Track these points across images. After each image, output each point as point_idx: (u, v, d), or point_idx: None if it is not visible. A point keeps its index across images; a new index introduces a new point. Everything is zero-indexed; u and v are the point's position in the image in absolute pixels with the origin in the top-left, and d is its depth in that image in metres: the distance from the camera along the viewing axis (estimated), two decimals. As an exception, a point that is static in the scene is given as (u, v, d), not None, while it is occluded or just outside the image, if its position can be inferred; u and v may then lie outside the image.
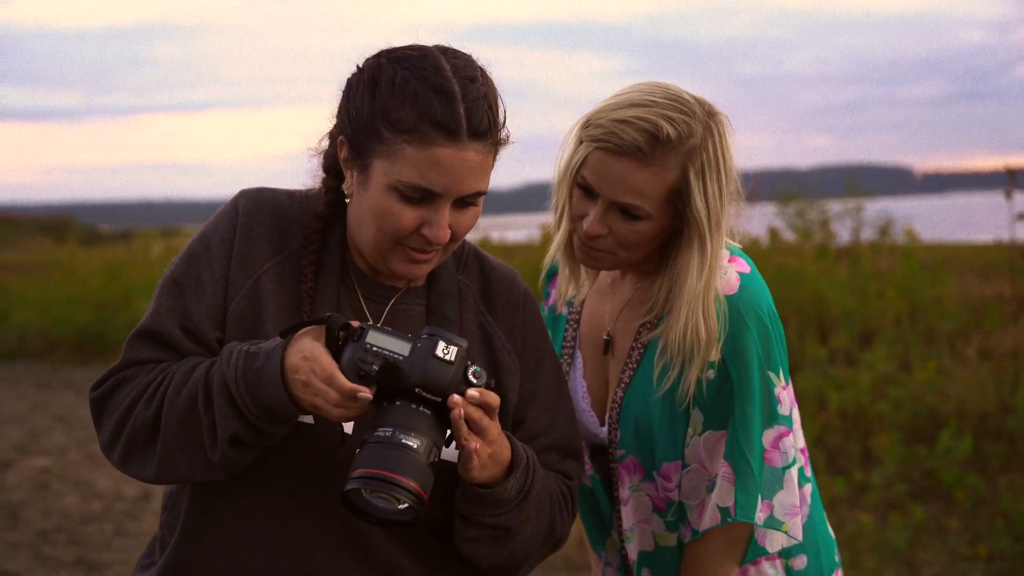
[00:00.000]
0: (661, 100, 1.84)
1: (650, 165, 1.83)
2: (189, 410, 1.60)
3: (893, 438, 5.81)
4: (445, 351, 1.56)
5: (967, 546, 4.98)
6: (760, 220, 11.38)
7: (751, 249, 10.12)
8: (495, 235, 12.00)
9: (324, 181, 1.76)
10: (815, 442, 6.02)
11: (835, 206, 11.18)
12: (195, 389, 1.60)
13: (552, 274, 2.18)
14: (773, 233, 10.84)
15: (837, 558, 2.10)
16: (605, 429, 2.00)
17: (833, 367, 6.86)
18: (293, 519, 1.67)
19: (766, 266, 8.79)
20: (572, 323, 2.10)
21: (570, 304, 2.12)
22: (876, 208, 11.40)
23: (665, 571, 2.00)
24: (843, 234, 10.84)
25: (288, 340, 1.59)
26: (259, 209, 1.75)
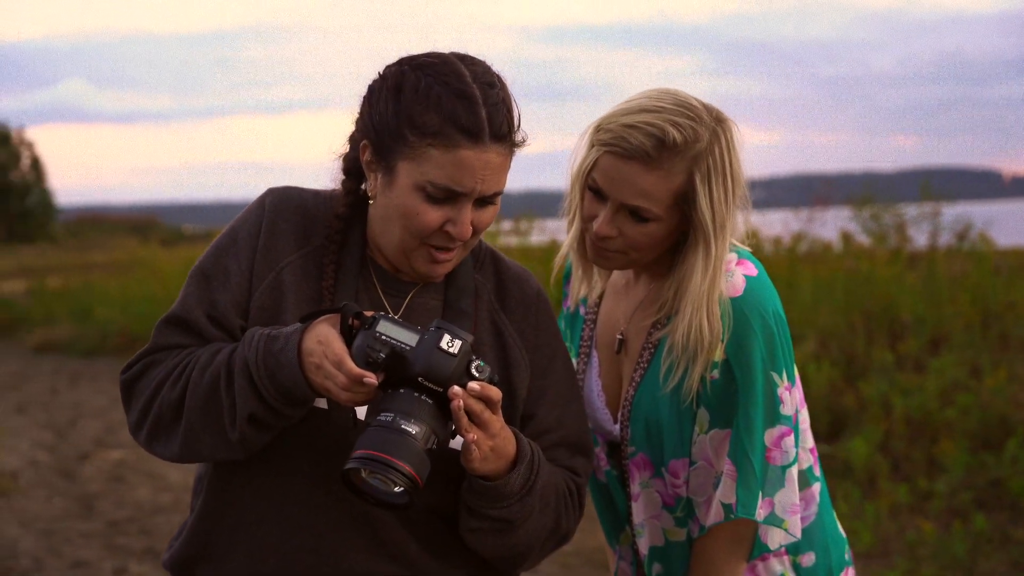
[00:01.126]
0: (669, 106, 1.88)
1: (656, 169, 1.87)
2: (212, 390, 1.69)
3: (959, 445, 5.72)
4: (449, 344, 1.62)
5: (1032, 556, 4.89)
6: (834, 224, 11.24)
7: (823, 253, 9.94)
8: (563, 237, 11.94)
9: (344, 183, 1.84)
10: (879, 448, 5.95)
11: (913, 210, 10.99)
12: (218, 371, 1.69)
13: (569, 275, 2.24)
14: (846, 237, 10.69)
15: (848, 556, 2.12)
16: (618, 427, 2.05)
17: (901, 373, 6.76)
18: (307, 500, 1.75)
19: (836, 270, 8.70)
20: (589, 323, 2.15)
21: (586, 303, 2.17)
22: (956, 212, 11.17)
23: (675, 566, 2.05)
24: (919, 239, 10.65)
25: (307, 325, 1.67)
26: (285, 206, 1.84)
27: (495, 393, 1.64)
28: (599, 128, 1.93)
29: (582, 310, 2.18)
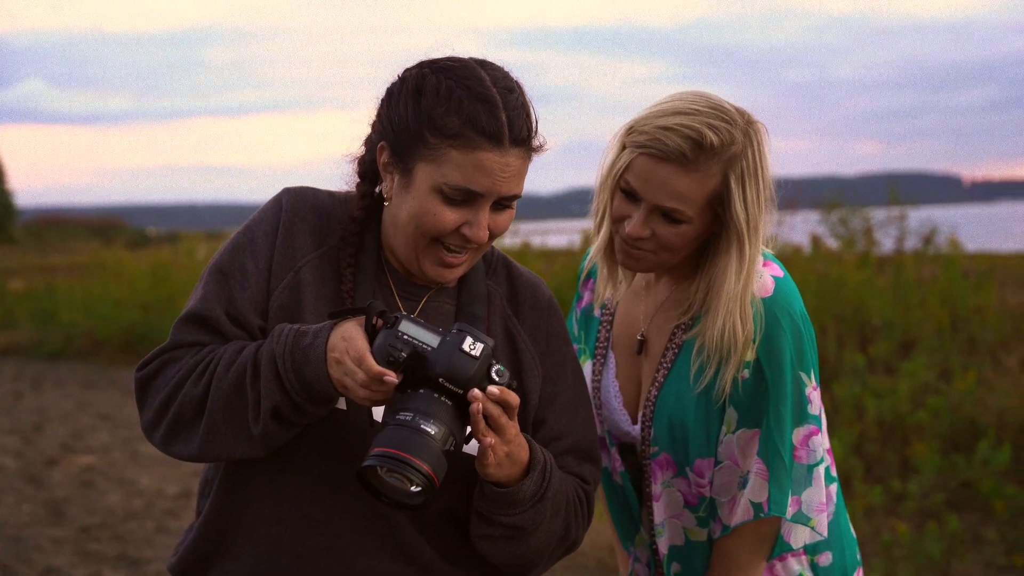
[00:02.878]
0: (704, 109, 1.90)
1: (693, 171, 1.89)
2: (237, 385, 1.68)
3: (931, 447, 5.78)
4: (472, 347, 1.62)
5: (1004, 556, 4.95)
6: (803, 228, 11.33)
7: (793, 256, 10.03)
8: (536, 240, 11.99)
9: (359, 186, 1.84)
10: (852, 450, 6.00)
11: (879, 214, 11.10)
12: (244, 366, 1.68)
13: (589, 276, 2.24)
14: (815, 240, 10.78)
15: (858, 556, 2.15)
16: (637, 427, 2.06)
17: (872, 376, 6.83)
18: (324, 500, 1.75)
19: (807, 274, 8.77)
20: (606, 324, 2.16)
21: (603, 306, 2.18)
22: (921, 216, 11.31)
23: (694, 566, 2.06)
24: (886, 243, 10.76)
25: (335, 322, 1.67)
26: (302, 205, 1.84)
27: (513, 398, 1.64)
28: (632, 130, 1.94)
29: (597, 311, 2.19)
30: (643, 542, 2.14)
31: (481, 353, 1.62)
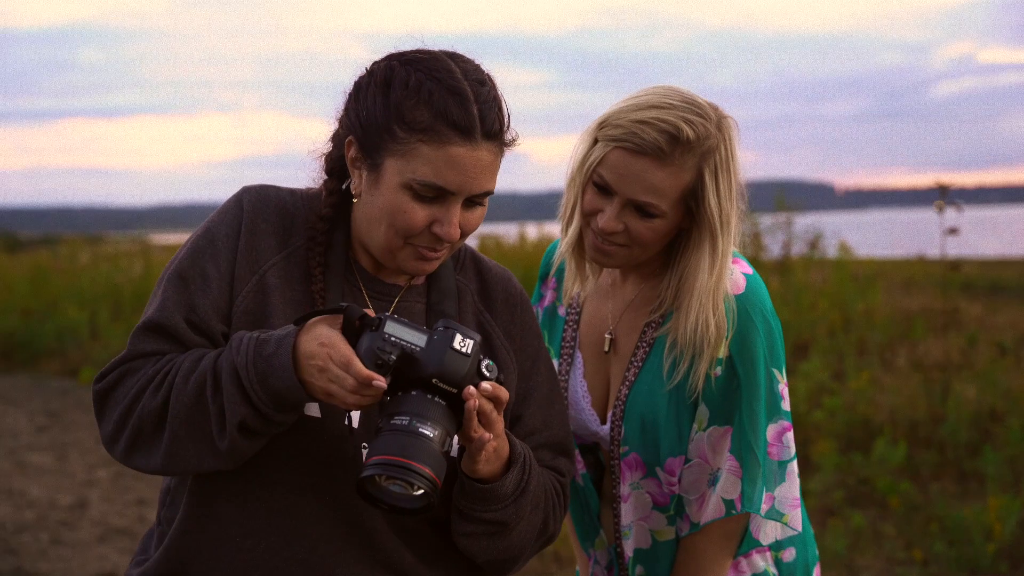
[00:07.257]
0: (678, 103, 1.91)
1: (669, 165, 1.89)
2: (197, 397, 1.61)
3: (830, 446, 5.95)
4: (462, 344, 1.59)
5: (903, 551, 5.11)
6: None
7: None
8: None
9: (326, 183, 1.79)
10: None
11: (766, 220, 11.37)
12: (203, 377, 1.61)
13: (544, 276, 2.23)
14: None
15: (817, 551, 2.17)
16: (606, 427, 2.05)
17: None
18: (298, 512, 1.69)
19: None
20: (571, 324, 2.15)
21: (569, 306, 2.16)
22: (803, 223, 11.64)
23: (660, 566, 2.05)
24: (773, 248, 11.03)
25: (300, 328, 1.61)
26: (264, 205, 1.77)
27: (503, 393, 1.62)
28: (605, 124, 1.93)
29: (561, 311, 2.17)
30: (603, 545, 2.13)
31: (471, 350, 1.59)
